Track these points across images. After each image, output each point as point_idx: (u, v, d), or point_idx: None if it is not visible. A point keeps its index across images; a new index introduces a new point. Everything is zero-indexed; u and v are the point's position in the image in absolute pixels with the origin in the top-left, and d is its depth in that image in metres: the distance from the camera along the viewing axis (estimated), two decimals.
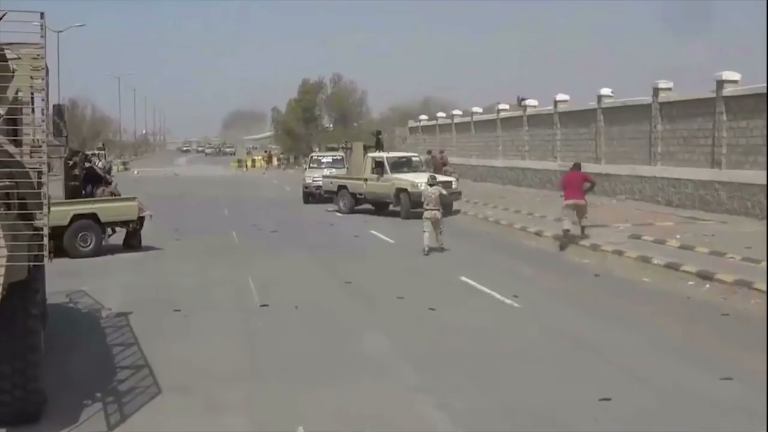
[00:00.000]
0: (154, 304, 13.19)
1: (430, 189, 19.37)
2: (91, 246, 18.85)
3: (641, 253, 16.80)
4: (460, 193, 27.77)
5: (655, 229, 20.13)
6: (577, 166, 20.87)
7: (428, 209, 18.98)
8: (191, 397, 8.55)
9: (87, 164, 20.55)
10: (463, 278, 15.17)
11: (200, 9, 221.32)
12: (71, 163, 19.29)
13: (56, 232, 15.62)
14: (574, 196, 19.29)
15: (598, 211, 25.24)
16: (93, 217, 18.99)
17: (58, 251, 15.59)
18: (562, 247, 19.05)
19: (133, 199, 20.02)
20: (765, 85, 21.25)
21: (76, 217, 18.73)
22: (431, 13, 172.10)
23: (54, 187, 10.92)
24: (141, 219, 19.89)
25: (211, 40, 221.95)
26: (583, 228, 19.30)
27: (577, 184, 19.50)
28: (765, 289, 12.55)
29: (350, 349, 10.36)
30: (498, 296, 13.50)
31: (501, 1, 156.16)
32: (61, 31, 63.16)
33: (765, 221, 19.54)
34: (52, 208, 18.29)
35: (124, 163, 79.59)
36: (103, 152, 66.58)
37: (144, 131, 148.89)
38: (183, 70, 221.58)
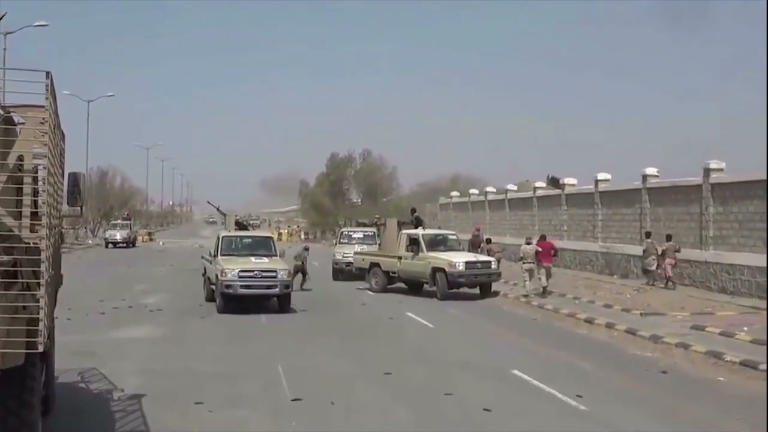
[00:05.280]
0: (174, 395, 11.78)
1: (528, 246, 24.87)
2: None
3: (710, 348, 15.28)
4: (499, 274, 26.35)
5: (718, 320, 18.63)
6: (543, 237, 26.33)
7: (526, 263, 24.55)
8: None
9: None
10: (516, 372, 13.65)
11: (234, 80, 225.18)
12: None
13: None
14: (547, 261, 24.69)
15: (649, 296, 23.74)
16: None
17: None
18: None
19: None
20: None
21: None
22: (460, 94, 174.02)
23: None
24: None
25: (242, 111, 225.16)
26: (545, 288, 24.42)
27: (548, 251, 24.91)
28: None
29: None
30: (559, 396, 11.96)
31: (527, 81, 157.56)
32: (91, 101, 63.48)
33: None
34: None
35: (149, 234, 78.90)
36: (128, 222, 66.10)
37: (171, 202, 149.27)
38: (212, 142, 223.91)
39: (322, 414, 10.84)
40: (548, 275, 24.69)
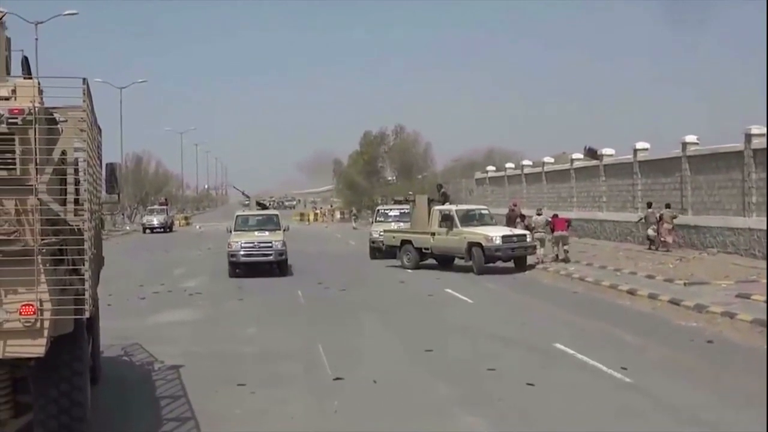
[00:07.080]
0: (217, 377, 11.80)
1: (538, 217, 27.89)
2: None
3: (756, 316, 14.96)
4: (534, 247, 26.11)
5: (763, 287, 18.19)
6: (555, 216, 28.37)
7: (538, 232, 27.08)
8: None
9: None
10: (558, 345, 13.50)
11: (266, 63, 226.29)
12: None
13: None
14: (561, 229, 26.88)
15: (692, 265, 23.37)
16: None
17: None
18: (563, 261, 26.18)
19: None
20: None
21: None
22: (493, 66, 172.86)
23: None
24: None
25: (275, 94, 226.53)
26: (566, 252, 26.54)
27: (562, 223, 27.22)
28: None
29: None
30: (604, 368, 11.80)
31: (559, 57, 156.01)
32: (123, 87, 63.87)
33: None
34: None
35: (185, 218, 79.36)
36: (164, 207, 66.63)
37: (206, 186, 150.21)
38: (246, 125, 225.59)
39: (364, 393, 10.80)
40: (564, 242, 26.67)
